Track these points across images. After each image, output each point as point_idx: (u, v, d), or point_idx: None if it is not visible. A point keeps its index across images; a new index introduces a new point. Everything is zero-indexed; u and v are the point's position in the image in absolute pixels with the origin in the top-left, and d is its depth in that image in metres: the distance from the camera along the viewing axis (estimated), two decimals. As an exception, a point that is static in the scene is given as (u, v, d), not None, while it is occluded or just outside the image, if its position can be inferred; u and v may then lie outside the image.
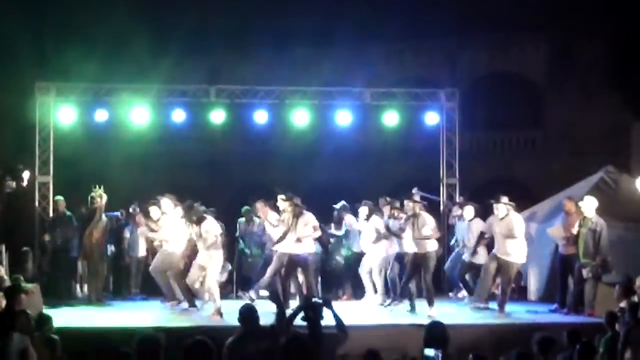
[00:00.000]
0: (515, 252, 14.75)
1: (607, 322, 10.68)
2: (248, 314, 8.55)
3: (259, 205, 15.81)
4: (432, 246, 14.63)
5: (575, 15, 26.67)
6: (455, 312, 15.22)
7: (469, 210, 16.48)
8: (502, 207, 14.83)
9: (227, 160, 29.08)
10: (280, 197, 14.94)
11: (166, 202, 15.21)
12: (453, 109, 19.25)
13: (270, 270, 15.00)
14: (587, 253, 14.53)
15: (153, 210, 15.82)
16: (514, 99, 28.78)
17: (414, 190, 15.78)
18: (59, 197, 17.08)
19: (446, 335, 7.90)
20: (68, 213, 16.79)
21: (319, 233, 15.23)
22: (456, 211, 16.87)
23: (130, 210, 17.52)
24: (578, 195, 15.98)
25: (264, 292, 15.11)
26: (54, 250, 16.58)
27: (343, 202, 17.55)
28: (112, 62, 25.60)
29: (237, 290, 17.60)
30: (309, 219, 14.81)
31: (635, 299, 11.58)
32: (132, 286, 17.68)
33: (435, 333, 7.93)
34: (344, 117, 18.98)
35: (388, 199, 16.08)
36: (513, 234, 14.65)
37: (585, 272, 14.51)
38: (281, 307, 8.95)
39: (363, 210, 16.58)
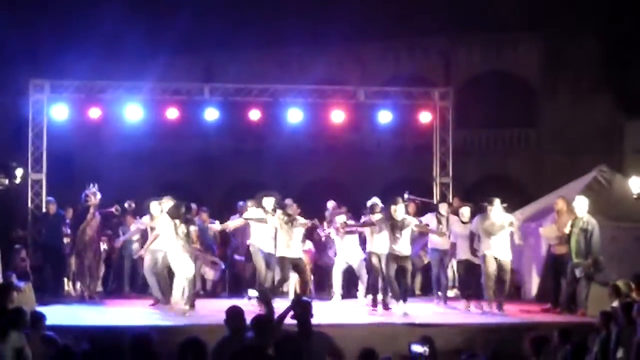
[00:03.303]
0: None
1: (602, 322, 10.70)
2: (234, 315, 8.51)
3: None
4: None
5: (569, 15, 26.68)
6: (447, 311, 15.26)
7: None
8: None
9: (220, 158, 29.09)
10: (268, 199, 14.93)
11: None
12: (447, 108, 19.27)
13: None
14: (579, 253, 14.55)
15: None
16: (507, 97, 28.71)
17: (405, 194, 15.76)
18: (50, 198, 17.13)
19: None
20: (61, 212, 16.84)
21: None
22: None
23: (126, 205, 17.50)
24: (571, 194, 15.99)
25: (253, 292, 15.16)
26: (46, 248, 16.63)
27: (333, 202, 17.56)
28: (106, 60, 25.61)
29: (229, 288, 17.60)
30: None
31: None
32: (125, 284, 17.66)
33: None
34: (337, 116, 18.98)
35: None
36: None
37: (577, 272, 14.54)
38: (270, 306, 8.94)
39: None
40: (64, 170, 20.49)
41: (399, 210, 14.65)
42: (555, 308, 14.99)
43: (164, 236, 14.47)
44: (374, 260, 15.00)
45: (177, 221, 14.16)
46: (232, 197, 19.83)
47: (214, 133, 25.17)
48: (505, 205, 14.97)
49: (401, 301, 14.57)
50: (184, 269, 14.12)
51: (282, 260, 14.63)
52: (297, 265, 14.79)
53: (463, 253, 15.53)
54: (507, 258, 14.83)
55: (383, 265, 14.83)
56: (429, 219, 16.15)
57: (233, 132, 26.06)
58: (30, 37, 25.46)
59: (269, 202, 14.93)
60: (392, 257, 14.62)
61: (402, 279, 14.71)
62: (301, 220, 14.91)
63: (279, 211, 14.77)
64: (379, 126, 19.85)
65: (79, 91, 18.26)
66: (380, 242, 14.90)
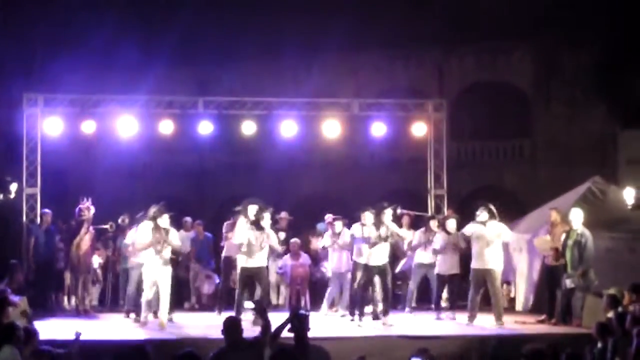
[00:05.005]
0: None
1: (598, 333, 10.70)
2: (231, 326, 8.50)
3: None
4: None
5: (562, 25, 26.75)
6: (443, 323, 15.25)
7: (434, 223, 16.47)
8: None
9: (214, 171, 29.05)
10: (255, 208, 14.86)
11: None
12: (440, 120, 19.27)
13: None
14: (574, 265, 14.53)
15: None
16: (501, 108, 28.72)
17: (398, 209, 15.76)
18: (46, 210, 17.11)
19: None
20: (52, 227, 16.86)
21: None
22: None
23: (120, 221, 17.45)
24: (566, 205, 16.01)
25: (249, 304, 15.10)
26: (40, 262, 16.60)
27: (331, 216, 17.57)
28: (99, 73, 25.60)
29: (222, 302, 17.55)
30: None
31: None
32: (120, 298, 17.62)
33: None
34: (331, 128, 18.97)
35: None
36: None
37: (568, 283, 14.52)
38: (266, 319, 8.92)
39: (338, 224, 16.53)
40: (58, 185, 20.41)
41: (386, 215, 14.60)
42: (550, 319, 14.99)
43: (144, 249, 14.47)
44: (359, 273, 14.91)
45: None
46: (227, 210, 19.75)
47: (208, 146, 25.19)
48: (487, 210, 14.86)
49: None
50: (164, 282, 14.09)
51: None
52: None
53: (449, 267, 15.59)
54: (497, 268, 14.77)
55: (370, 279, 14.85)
56: (419, 236, 16.23)
57: (227, 145, 26.06)
58: (23, 51, 25.44)
59: (253, 210, 14.85)
60: (366, 268, 14.64)
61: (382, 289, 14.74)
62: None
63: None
64: (373, 138, 19.85)
65: (72, 105, 18.21)
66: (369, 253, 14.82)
